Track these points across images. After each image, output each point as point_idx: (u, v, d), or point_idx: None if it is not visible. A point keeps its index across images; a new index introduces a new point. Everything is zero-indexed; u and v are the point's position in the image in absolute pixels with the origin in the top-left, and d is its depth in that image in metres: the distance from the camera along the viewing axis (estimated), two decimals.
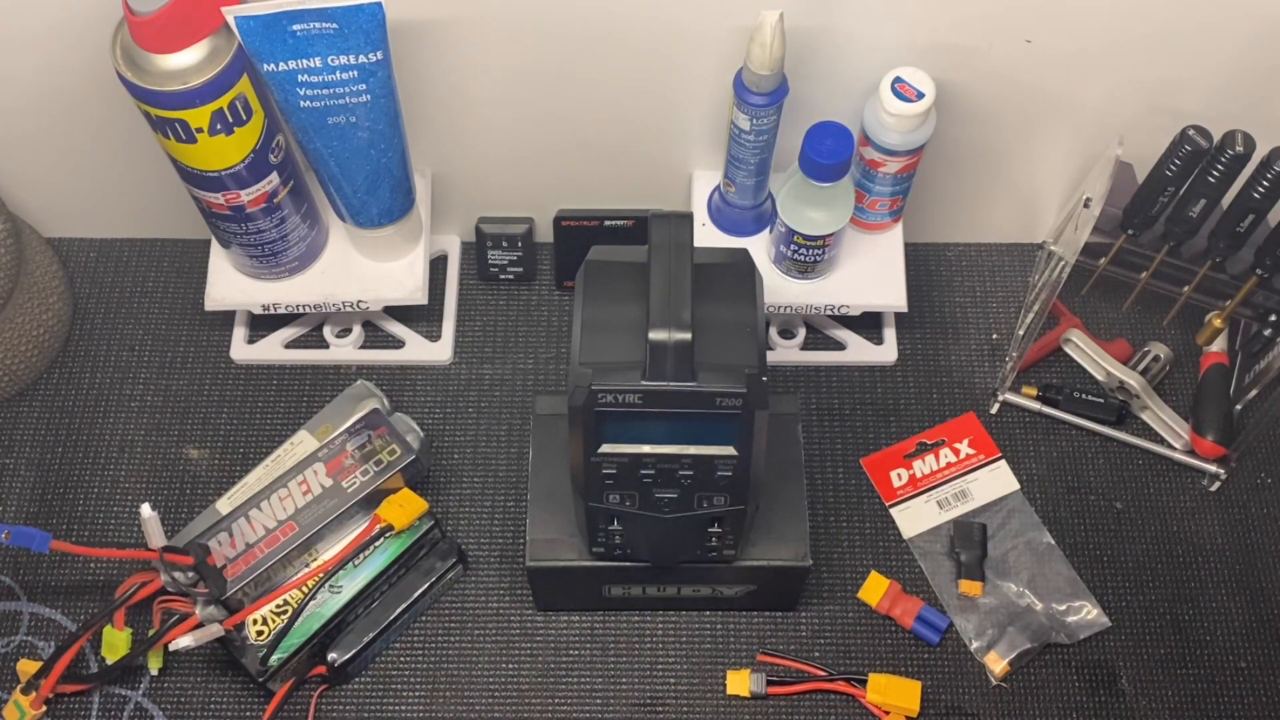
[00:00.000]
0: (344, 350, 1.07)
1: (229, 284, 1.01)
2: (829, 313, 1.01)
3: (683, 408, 0.75)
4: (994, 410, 1.04)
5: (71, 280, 1.10)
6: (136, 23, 0.79)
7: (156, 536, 0.87)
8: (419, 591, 0.95)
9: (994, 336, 1.08)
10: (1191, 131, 0.88)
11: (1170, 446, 1.03)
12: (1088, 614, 0.97)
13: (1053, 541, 0.99)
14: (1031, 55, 0.91)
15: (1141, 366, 1.04)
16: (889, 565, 0.99)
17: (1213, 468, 1.01)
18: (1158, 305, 1.01)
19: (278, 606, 0.91)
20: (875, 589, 0.96)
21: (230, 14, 0.81)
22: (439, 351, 1.06)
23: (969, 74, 0.92)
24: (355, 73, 0.84)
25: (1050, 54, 0.91)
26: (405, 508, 0.91)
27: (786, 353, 1.06)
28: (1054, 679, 0.95)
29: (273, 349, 1.07)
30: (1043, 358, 1.06)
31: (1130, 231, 0.96)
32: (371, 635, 0.93)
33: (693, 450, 0.78)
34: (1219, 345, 1.03)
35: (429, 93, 0.94)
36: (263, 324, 1.07)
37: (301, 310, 1.01)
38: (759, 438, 0.77)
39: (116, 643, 0.92)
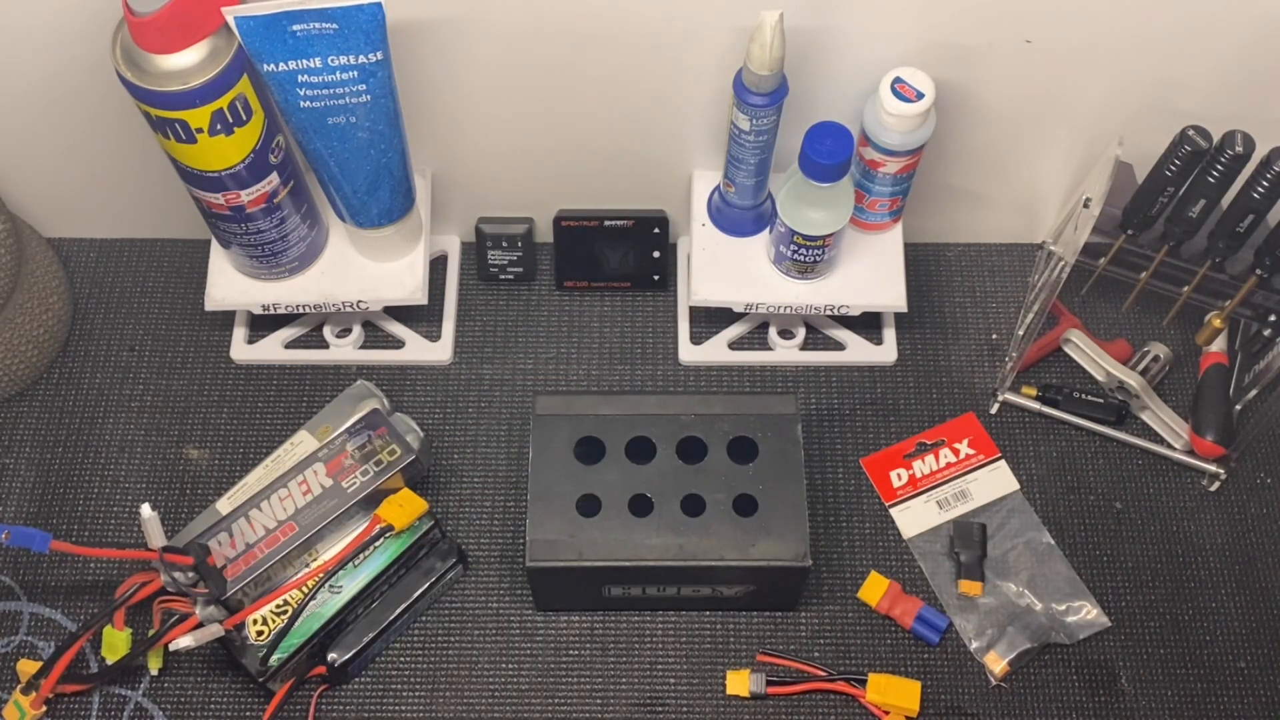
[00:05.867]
0: (344, 350, 1.07)
1: (229, 284, 1.01)
2: (829, 313, 1.01)
3: None
4: (994, 410, 1.04)
5: (71, 280, 1.10)
6: (136, 23, 0.79)
7: (156, 536, 0.87)
8: (419, 591, 0.95)
9: (994, 336, 1.08)
10: (1191, 131, 0.88)
11: (1170, 446, 1.03)
12: (1087, 614, 0.97)
13: (1052, 541, 0.99)
14: (1031, 55, 0.91)
15: (1141, 366, 1.04)
16: (889, 565, 0.99)
17: (1212, 468, 1.01)
18: (1157, 305, 1.01)
19: (278, 606, 0.91)
20: (875, 589, 0.96)
21: (230, 14, 0.80)
22: (439, 351, 1.06)
23: (969, 74, 0.92)
24: (355, 73, 0.84)
25: (1050, 54, 0.91)
26: (405, 508, 0.91)
27: (786, 353, 1.06)
28: (1054, 679, 0.95)
29: (273, 349, 1.06)
30: (1043, 358, 1.06)
31: (1130, 231, 0.96)
32: (371, 635, 0.93)
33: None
34: (1219, 345, 1.03)
35: (429, 93, 0.94)
36: (263, 324, 1.07)
37: (301, 310, 1.01)
38: None
39: (116, 643, 0.92)
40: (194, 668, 0.95)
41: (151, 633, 0.91)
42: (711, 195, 1.02)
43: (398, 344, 1.07)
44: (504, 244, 1.07)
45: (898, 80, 0.89)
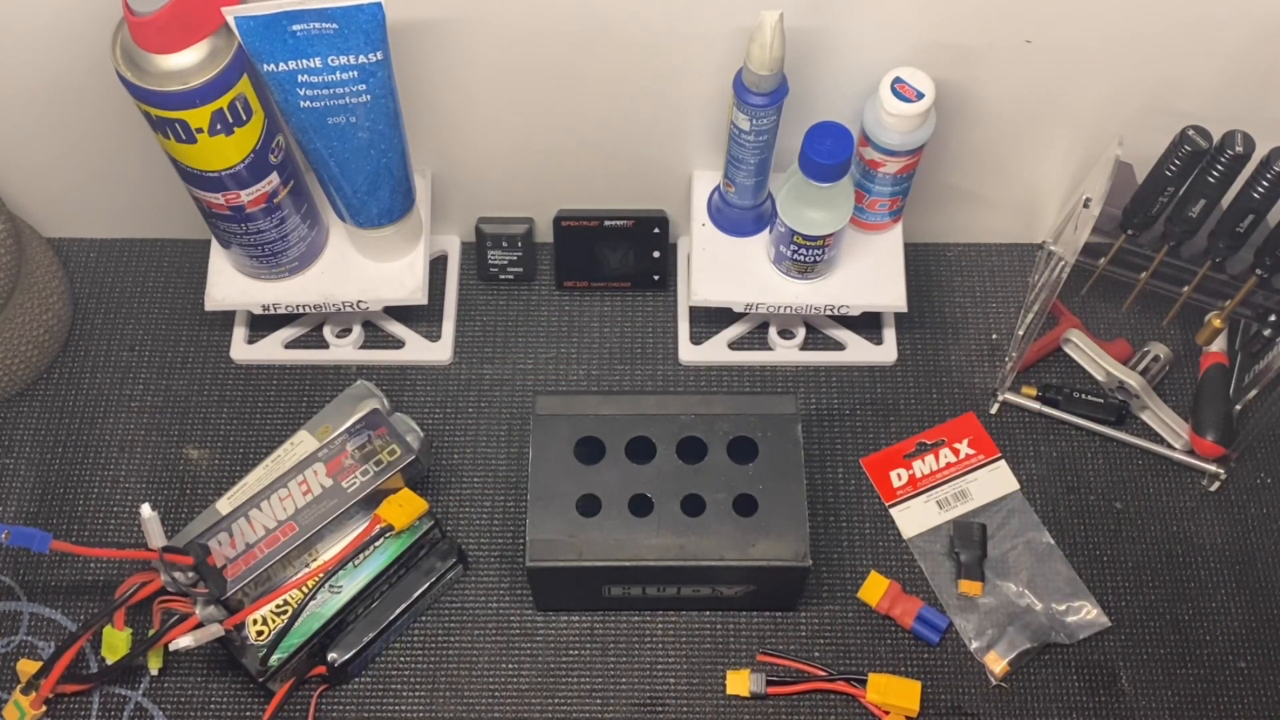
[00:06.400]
0: (344, 350, 1.07)
1: (229, 284, 1.01)
2: (829, 313, 1.01)
3: None
4: (994, 410, 1.04)
5: (71, 280, 1.10)
6: (136, 23, 0.79)
7: (156, 536, 0.87)
8: (419, 591, 0.95)
9: (994, 336, 1.08)
10: (1191, 131, 0.88)
11: (1170, 446, 1.03)
12: (1087, 614, 0.97)
13: (1052, 541, 0.99)
14: (1031, 55, 0.91)
15: (1141, 366, 1.04)
16: (889, 565, 0.99)
17: (1212, 468, 1.01)
18: (1157, 305, 1.01)
19: (278, 606, 0.91)
20: (875, 589, 0.96)
21: (230, 14, 0.81)
22: (439, 351, 1.06)
23: (969, 74, 0.92)
24: (355, 73, 0.84)
25: (1050, 54, 0.91)
26: (405, 508, 0.91)
27: (786, 353, 1.06)
28: (1054, 679, 0.95)
29: (273, 349, 1.07)
30: (1042, 358, 1.06)
31: (1130, 231, 0.96)
32: (371, 635, 0.93)
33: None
34: (1219, 345, 1.04)
35: (429, 93, 0.94)
36: (263, 324, 1.07)
37: (301, 310, 1.01)
38: None
39: (116, 643, 0.92)
40: (194, 668, 0.95)
41: (151, 633, 0.91)
42: (711, 195, 1.02)
43: (398, 344, 1.07)
44: (504, 244, 1.07)
45: (898, 80, 0.89)
